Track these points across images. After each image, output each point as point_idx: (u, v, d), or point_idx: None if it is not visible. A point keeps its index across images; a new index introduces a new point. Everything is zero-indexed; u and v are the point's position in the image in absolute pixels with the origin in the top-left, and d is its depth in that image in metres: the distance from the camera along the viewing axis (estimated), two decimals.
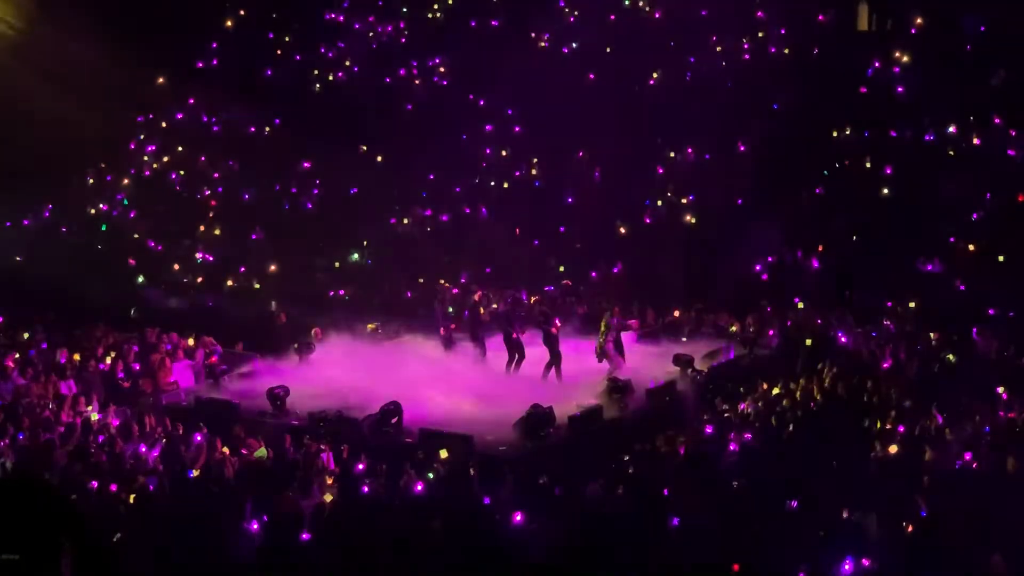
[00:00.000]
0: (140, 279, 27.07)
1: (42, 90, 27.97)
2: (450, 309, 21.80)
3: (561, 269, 21.51)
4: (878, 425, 15.36)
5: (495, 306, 21.58)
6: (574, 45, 30.32)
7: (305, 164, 30.54)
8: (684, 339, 21.52)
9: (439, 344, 21.27)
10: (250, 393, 18.81)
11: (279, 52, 32.47)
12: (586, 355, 19.50)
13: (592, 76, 29.11)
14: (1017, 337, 18.96)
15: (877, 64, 27.27)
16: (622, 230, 26.38)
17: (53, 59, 28.06)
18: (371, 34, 32.55)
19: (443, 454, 14.93)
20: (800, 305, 22.34)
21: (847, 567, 10.62)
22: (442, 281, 25.33)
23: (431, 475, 14.26)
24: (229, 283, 27.55)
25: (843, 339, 20.25)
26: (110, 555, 2.49)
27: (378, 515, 12.87)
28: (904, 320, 21.00)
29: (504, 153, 29.38)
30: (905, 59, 27.05)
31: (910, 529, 11.71)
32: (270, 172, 30.37)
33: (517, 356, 19.57)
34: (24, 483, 2.62)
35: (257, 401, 18.29)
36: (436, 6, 32.10)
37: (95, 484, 14.08)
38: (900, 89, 26.48)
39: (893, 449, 14.17)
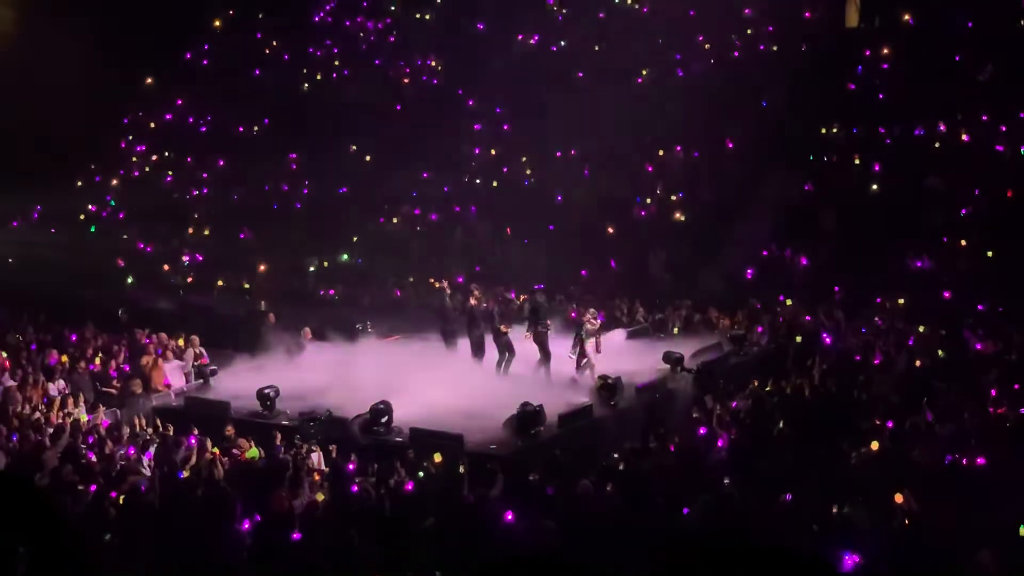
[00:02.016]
0: (129, 279, 27.05)
1: (30, 90, 27.91)
2: (450, 305, 21.55)
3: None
4: (867, 421, 15.36)
5: (484, 305, 21.44)
6: (563, 43, 30.34)
7: (293, 163, 30.50)
8: (674, 336, 21.54)
9: (435, 343, 21.08)
10: (240, 393, 18.78)
11: (267, 51, 32.45)
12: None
13: (581, 74, 29.13)
14: (1006, 333, 19.00)
15: (865, 60, 27.34)
16: (611, 228, 26.35)
17: (41, 59, 27.99)
18: (361, 34, 32.54)
19: (437, 458, 14.84)
20: (789, 302, 22.37)
21: (848, 563, 10.59)
22: (438, 282, 25.07)
23: (421, 474, 14.24)
24: (218, 284, 27.48)
25: (832, 335, 20.26)
26: (78, 559, 2.45)
27: (369, 514, 12.86)
28: (894, 316, 21.03)
29: (493, 152, 29.34)
30: (893, 55, 27.11)
31: (899, 525, 11.73)
32: (259, 171, 30.33)
33: (508, 355, 19.55)
34: None
35: (247, 401, 18.27)
36: (425, 5, 32.11)
37: (84, 486, 14.03)
38: (888, 85, 26.53)
39: (881, 445, 14.18)
